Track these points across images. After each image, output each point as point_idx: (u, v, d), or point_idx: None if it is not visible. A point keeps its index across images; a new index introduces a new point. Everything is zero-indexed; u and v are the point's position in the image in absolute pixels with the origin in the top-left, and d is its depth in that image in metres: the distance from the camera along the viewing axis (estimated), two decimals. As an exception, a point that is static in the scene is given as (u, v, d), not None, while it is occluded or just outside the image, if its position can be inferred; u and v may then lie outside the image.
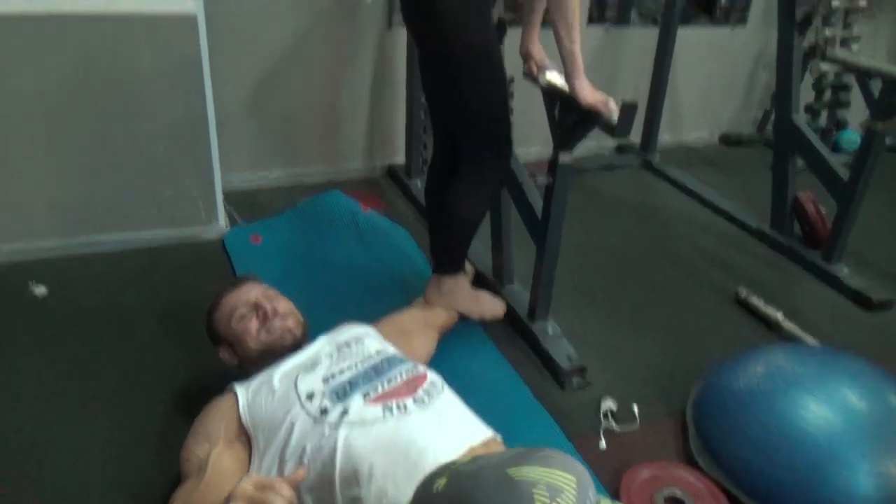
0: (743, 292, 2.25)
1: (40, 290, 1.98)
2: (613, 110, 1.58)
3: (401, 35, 2.73)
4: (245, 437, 1.32)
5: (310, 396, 1.29)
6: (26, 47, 1.94)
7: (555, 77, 1.82)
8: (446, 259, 1.89)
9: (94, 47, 2.00)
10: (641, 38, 3.24)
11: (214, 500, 1.11)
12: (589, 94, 1.61)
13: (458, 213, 1.83)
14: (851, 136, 3.51)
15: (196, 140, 2.21)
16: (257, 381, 1.40)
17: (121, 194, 2.20)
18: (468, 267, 2.17)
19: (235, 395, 1.37)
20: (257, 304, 1.52)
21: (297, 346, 1.49)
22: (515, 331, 2.02)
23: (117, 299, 2.02)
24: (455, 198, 1.81)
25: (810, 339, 2.02)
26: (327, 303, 1.97)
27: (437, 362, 1.68)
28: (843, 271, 2.39)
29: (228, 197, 2.49)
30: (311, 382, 1.32)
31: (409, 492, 1.09)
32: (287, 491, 1.00)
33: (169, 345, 1.84)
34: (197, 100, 2.15)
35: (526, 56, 1.90)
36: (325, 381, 1.32)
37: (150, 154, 2.17)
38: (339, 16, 2.66)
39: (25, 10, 1.89)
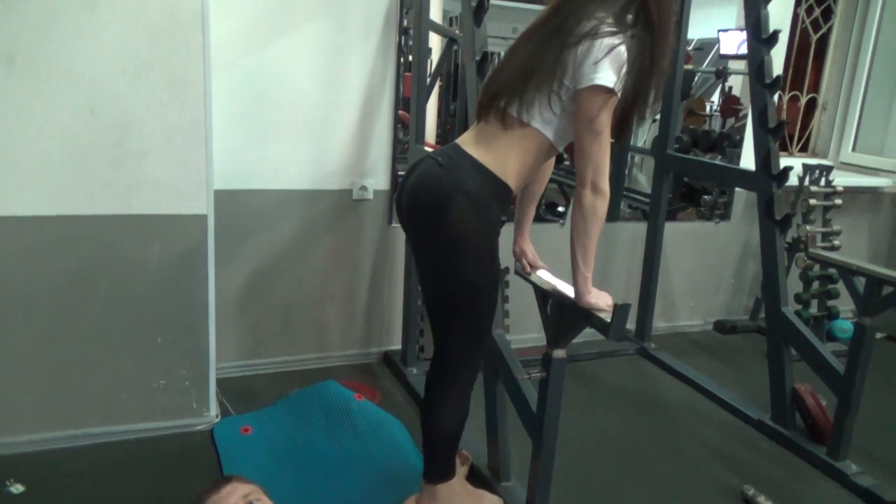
0: (750, 491, 2.16)
1: (17, 488, 1.91)
2: (607, 310, 1.61)
3: (399, 231, 2.86)
4: None
5: None
6: (40, 246, 2.02)
7: (546, 276, 1.89)
8: (436, 469, 1.84)
9: (105, 245, 2.09)
10: (632, 232, 3.40)
11: None
12: (590, 297, 1.63)
13: (436, 427, 1.80)
14: (844, 325, 3.56)
15: (194, 331, 2.24)
16: None
17: (113, 386, 2.19)
18: (463, 455, 2.11)
19: None
20: None
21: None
22: (515, 535, 1.92)
23: (97, 496, 1.93)
24: (434, 406, 1.79)
25: (825, 547, 1.91)
26: (317, 496, 1.90)
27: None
28: (850, 468, 2.31)
29: (221, 384, 2.48)
30: None
31: None
32: None
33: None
34: (199, 292, 2.21)
35: (519, 255, 1.98)
36: None
37: (148, 345, 2.19)
38: (342, 213, 2.81)
39: (43, 212, 2.00)
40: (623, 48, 1.48)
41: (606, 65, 1.46)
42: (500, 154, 1.60)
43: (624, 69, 1.48)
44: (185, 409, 2.28)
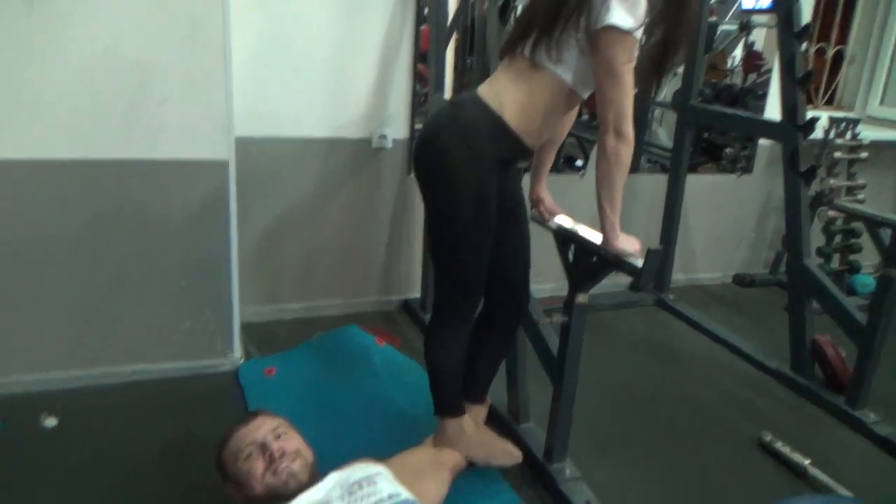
0: (767, 437, 2.18)
1: (51, 421, 1.97)
2: (637, 256, 1.61)
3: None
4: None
5: (318, 542, 1.24)
6: (65, 188, 2.05)
7: (565, 221, 1.88)
8: (437, 402, 1.87)
9: (128, 190, 2.11)
10: (651, 185, 3.37)
11: None
12: (619, 241, 1.62)
13: (432, 359, 1.81)
14: (865, 280, 3.53)
15: (217, 275, 2.27)
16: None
17: (139, 327, 2.23)
18: (482, 410, 2.12)
19: (241, 537, 1.33)
20: (264, 444, 1.50)
21: (302, 489, 1.45)
22: (532, 472, 1.95)
23: (127, 432, 1.99)
24: (429, 341, 1.81)
25: (843, 490, 1.93)
26: (339, 437, 1.93)
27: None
28: (869, 417, 2.33)
29: (245, 329, 2.52)
30: (320, 526, 1.28)
31: None
32: None
33: (177, 479, 1.80)
34: (222, 238, 2.23)
35: (536, 202, 1.96)
36: (335, 524, 1.28)
37: (172, 288, 2.23)
38: (361, 162, 2.81)
39: (67, 156, 2.01)
40: None
41: (621, 6, 1.41)
42: (505, 91, 1.57)
43: (644, 12, 1.44)
44: (211, 351, 2.32)
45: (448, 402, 1.86)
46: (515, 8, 2.91)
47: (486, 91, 1.59)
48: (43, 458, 1.84)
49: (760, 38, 3.67)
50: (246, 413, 1.65)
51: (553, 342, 1.92)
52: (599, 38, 1.45)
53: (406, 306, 3.04)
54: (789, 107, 2.54)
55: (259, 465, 1.48)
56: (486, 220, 1.64)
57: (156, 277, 2.21)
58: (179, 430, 2.01)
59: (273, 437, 1.52)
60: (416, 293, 3.05)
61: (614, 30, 1.42)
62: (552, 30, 1.50)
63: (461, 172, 1.58)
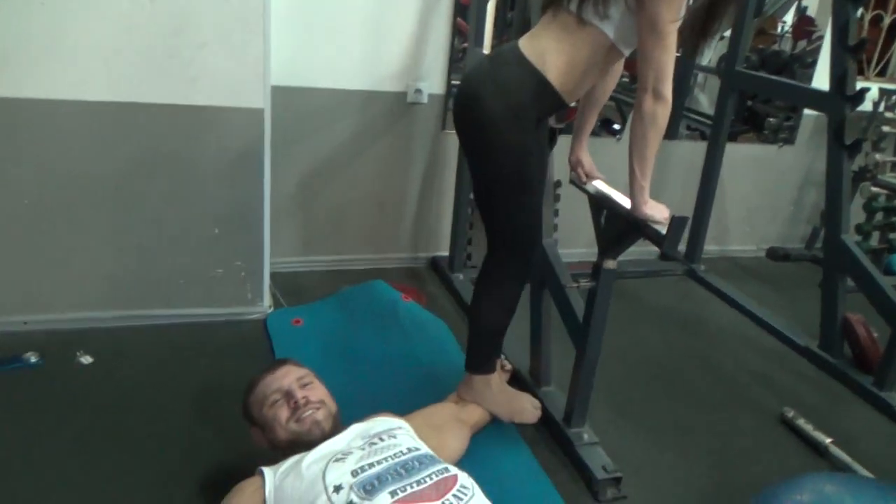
0: (790, 413, 2.16)
1: (86, 359, 2.03)
2: (663, 222, 1.59)
3: (452, 137, 2.84)
4: (268, 523, 1.30)
5: (337, 489, 1.27)
6: (103, 132, 2.07)
7: (602, 186, 1.86)
8: (474, 359, 1.89)
9: (164, 134, 2.12)
10: (689, 152, 3.30)
11: None
12: (647, 207, 1.61)
13: (480, 318, 1.84)
14: (904, 260, 3.45)
15: (250, 224, 2.30)
16: (286, 465, 1.39)
17: (173, 271, 2.28)
18: (507, 365, 2.16)
19: (263, 478, 1.38)
20: (290, 392, 1.54)
21: (324, 438, 1.48)
22: (550, 434, 1.98)
23: (158, 373, 2.05)
24: (478, 302, 1.83)
25: (863, 471, 1.92)
26: (362, 390, 1.96)
27: (467, 461, 1.65)
28: (896, 399, 2.30)
29: (274, 278, 2.55)
30: (340, 474, 1.31)
31: None
32: None
33: (203, 422, 1.85)
34: (255, 187, 2.25)
35: (575, 164, 1.95)
36: (354, 474, 1.31)
37: (205, 235, 2.26)
38: (396, 116, 2.79)
39: (107, 98, 2.03)
40: None
41: None
42: (547, 48, 1.54)
43: None
44: (241, 299, 2.36)
45: (487, 361, 1.89)
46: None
47: (527, 46, 1.57)
48: (77, 394, 1.91)
49: (813, 2, 3.53)
50: (273, 361, 1.68)
51: (579, 307, 1.91)
52: None
53: (434, 264, 3.05)
54: (838, 76, 2.45)
55: (284, 412, 1.51)
56: (530, 177, 1.65)
57: (190, 223, 2.24)
58: (207, 375, 2.06)
59: (298, 386, 1.55)
60: (444, 251, 3.05)
61: None
62: None
63: (502, 132, 1.57)
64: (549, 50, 1.54)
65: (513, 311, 1.84)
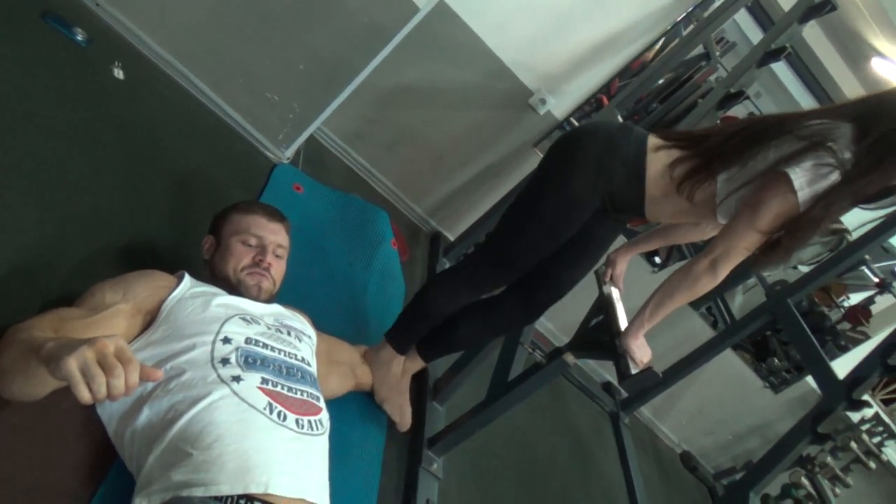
0: None
1: (119, 73, 2.01)
2: (638, 365, 1.60)
3: (533, 158, 2.85)
4: (150, 319, 1.31)
5: (226, 340, 1.28)
6: None
7: (615, 295, 1.87)
8: (395, 327, 1.91)
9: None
10: (695, 327, 3.34)
11: (80, 337, 0.99)
12: (635, 342, 1.60)
13: (422, 294, 1.86)
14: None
15: (334, 80, 2.25)
16: (202, 288, 1.41)
17: (240, 64, 2.23)
18: (418, 366, 2.12)
19: (178, 282, 1.38)
20: (264, 248, 1.54)
21: (254, 300, 1.49)
22: (411, 442, 1.98)
23: (168, 128, 2.05)
24: (430, 280, 1.85)
25: None
26: (304, 286, 1.95)
27: (331, 406, 1.67)
28: None
29: (310, 140, 2.54)
30: (237, 331, 1.32)
31: (226, 488, 1.07)
32: (135, 378, 0.91)
33: (179, 197, 1.87)
34: (363, 60, 2.20)
35: (611, 262, 1.95)
36: (248, 341, 1.32)
37: (291, 60, 2.21)
38: (507, 103, 2.80)
39: None
40: (832, 173, 1.38)
41: (808, 171, 1.39)
42: (668, 159, 1.56)
43: (821, 193, 1.39)
44: (272, 134, 2.34)
45: (403, 337, 1.90)
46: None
47: (654, 141, 1.59)
48: (101, 105, 1.90)
49: (885, 302, 3.57)
50: (275, 209, 1.64)
51: (517, 369, 1.93)
52: (767, 177, 1.43)
53: (434, 239, 3.06)
54: (858, 377, 2.48)
55: (246, 258, 1.51)
56: (556, 221, 1.66)
57: (287, 39, 2.19)
58: (198, 160, 2.08)
59: (272, 250, 1.55)
60: (453, 235, 3.06)
61: (785, 178, 1.40)
62: (744, 158, 1.47)
63: (573, 177, 1.59)
64: (668, 161, 1.56)
65: (448, 310, 1.84)
